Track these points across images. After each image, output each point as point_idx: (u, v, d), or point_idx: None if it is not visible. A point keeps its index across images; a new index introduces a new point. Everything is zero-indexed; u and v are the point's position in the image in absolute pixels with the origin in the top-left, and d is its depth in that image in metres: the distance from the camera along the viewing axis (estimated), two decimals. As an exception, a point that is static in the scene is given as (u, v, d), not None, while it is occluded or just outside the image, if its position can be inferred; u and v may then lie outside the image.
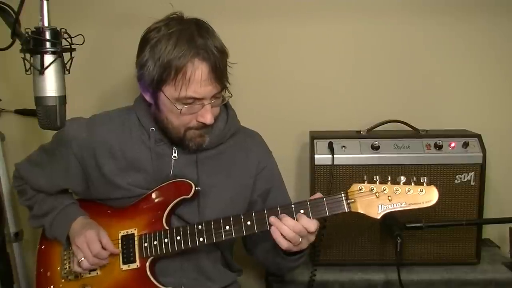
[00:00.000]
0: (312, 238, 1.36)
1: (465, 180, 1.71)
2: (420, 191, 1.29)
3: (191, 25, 1.38)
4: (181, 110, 1.37)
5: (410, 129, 1.84)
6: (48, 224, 1.54)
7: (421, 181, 1.30)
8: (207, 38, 1.36)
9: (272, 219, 1.34)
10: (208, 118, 1.39)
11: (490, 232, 1.98)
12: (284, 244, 1.33)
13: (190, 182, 1.45)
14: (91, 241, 1.44)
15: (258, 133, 1.65)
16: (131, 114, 1.53)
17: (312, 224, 1.32)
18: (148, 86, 1.41)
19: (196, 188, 1.45)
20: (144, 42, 1.40)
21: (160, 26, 1.39)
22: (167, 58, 1.33)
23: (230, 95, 1.46)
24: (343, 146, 1.73)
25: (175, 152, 1.49)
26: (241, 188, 1.54)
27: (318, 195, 1.37)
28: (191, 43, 1.34)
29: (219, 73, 1.37)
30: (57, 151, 1.54)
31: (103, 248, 1.45)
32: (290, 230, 1.31)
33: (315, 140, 1.75)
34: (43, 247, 1.60)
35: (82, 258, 1.44)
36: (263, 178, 1.57)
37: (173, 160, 1.49)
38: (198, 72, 1.33)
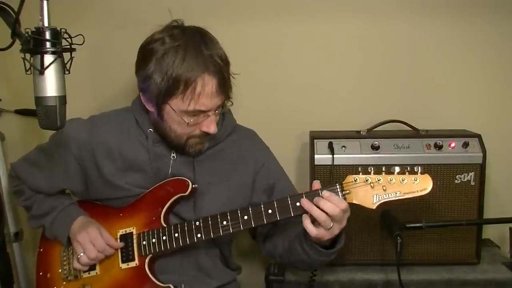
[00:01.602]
0: (343, 222, 1.31)
1: (465, 180, 1.71)
2: (414, 180, 1.30)
3: (195, 36, 1.38)
4: (188, 123, 1.38)
5: (410, 129, 1.84)
6: (48, 224, 1.54)
7: (415, 170, 1.31)
8: (213, 49, 1.37)
9: (304, 201, 1.31)
10: (212, 129, 1.41)
11: (490, 232, 1.97)
12: (313, 231, 1.28)
13: (187, 179, 1.46)
14: (95, 238, 1.45)
15: (254, 131, 1.65)
16: (129, 115, 1.54)
17: (342, 202, 1.28)
18: (153, 98, 1.40)
19: (193, 186, 1.45)
20: (148, 53, 1.38)
21: (163, 37, 1.38)
22: (176, 73, 1.33)
23: (231, 103, 1.47)
24: (343, 146, 1.73)
25: (173, 153, 1.50)
26: (239, 187, 1.54)
27: (316, 184, 1.35)
28: (200, 56, 1.34)
29: (226, 86, 1.40)
30: (55, 152, 1.54)
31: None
32: (322, 212, 1.27)
33: (315, 140, 1.75)
34: (42, 249, 1.60)
35: (81, 254, 1.44)
36: (263, 175, 1.57)
37: (171, 160, 1.49)
38: (208, 87, 1.35)
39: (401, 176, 1.31)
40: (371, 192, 1.31)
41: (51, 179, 1.57)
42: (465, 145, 1.71)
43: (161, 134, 1.47)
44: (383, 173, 1.32)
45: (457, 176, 1.70)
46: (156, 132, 1.49)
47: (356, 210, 1.34)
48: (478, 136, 1.74)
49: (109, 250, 1.46)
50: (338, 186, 1.33)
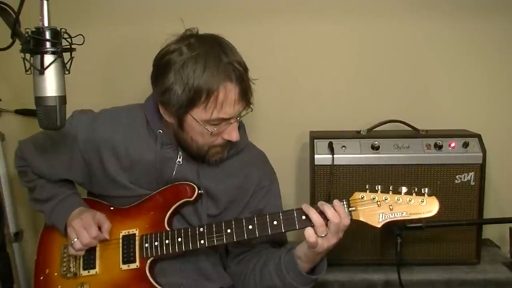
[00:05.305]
0: (332, 240, 1.32)
1: (465, 180, 1.71)
2: (421, 201, 1.30)
3: (213, 44, 1.36)
4: (212, 132, 1.37)
5: (410, 129, 1.84)
6: (48, 211, 1.53)
7: (423, 191, 1.31)
8: (232, 57, 1.36)
9: (304, 205, 1.33)
10: (234, 136, 1.40)
11: (490, 232, 1.98)
12: (312, 237, 1.30)
13: (194, 185, 1.46)
14: (88, 224, 1.44)
15: (264, 152, 1.64)
16: (140, 113, 1.52)
17: (346, 217, 1.31)
18: (173, 110, 1.38)
19: (199, 191, 1.45)
20: (166, 65, 1.35)
21: (180, 47, 1.35)
22: (198, 82, 1.31)
23: (251, 109, 1.44)
24: (343, 146, 1.73)
25: (179, 157, 1.49)
26: (235, 204, 1.53)
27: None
28: (220, 65, 1.32)
29: (248, 92, 1.38)
30: (62, 142, 1.53)
31: (100, 230, 1.45)
32: (320, 217, 1.30)
33: (315, 140, 1.75)
34: (43, 244, 1.59)
35: (75, 239, 1.44)
36: (258, 197, 1.55)
37: (176, 165, 1.49)
38: (231, 95, 1.33)
39: (408, 197, 1.31)
40: (377, 211, 1.32)
41: (54, 168, 1.56)
42: (465, 145, 1.71)
43: (182, 145, 1.45)
44: (390, 192, 1.32)
45: (457, 176, 1.70)
46: (169, 136, 1.47)
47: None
48: (478, 136, 1.74)
49: (102, 236, 1.45)
50: (345, 202, 1.34)
